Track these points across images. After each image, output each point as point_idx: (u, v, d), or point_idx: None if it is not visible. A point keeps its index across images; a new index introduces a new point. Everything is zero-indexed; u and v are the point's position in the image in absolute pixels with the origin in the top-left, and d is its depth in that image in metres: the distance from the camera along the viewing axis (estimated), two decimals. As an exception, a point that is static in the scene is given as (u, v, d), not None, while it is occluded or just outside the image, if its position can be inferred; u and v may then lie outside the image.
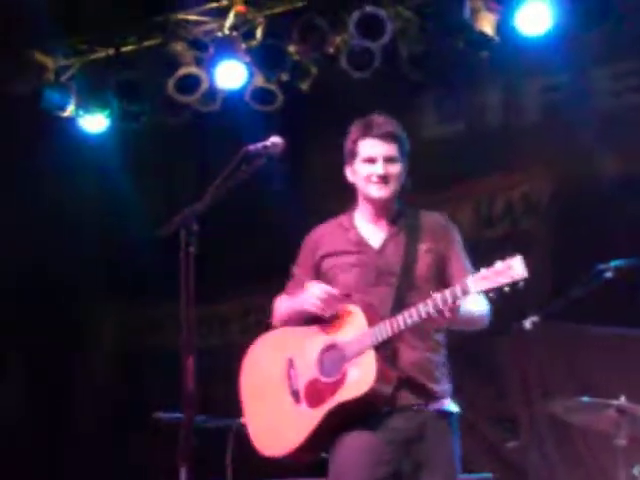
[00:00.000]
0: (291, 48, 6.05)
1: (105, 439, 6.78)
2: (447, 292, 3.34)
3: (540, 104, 6.27)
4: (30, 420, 6.81)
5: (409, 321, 3.41)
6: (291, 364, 3.61)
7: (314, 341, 3.58)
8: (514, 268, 3.22)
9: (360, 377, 3.43)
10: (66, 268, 6.91)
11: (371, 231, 3.68)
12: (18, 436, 6.67)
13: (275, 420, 3.58)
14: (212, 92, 6.23)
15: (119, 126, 6.52)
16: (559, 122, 6.08)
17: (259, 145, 3.45)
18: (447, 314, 3.33)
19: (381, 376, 3.43)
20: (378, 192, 3.63)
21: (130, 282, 6.95)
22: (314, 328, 3.61)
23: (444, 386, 3.58)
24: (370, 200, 3.67)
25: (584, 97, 6.04)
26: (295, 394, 3.56)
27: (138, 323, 7.16)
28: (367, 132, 3.63)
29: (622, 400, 4.15)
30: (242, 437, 3.86)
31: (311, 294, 3.55)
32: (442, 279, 3.60)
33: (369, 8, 5.72)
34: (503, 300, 3.29)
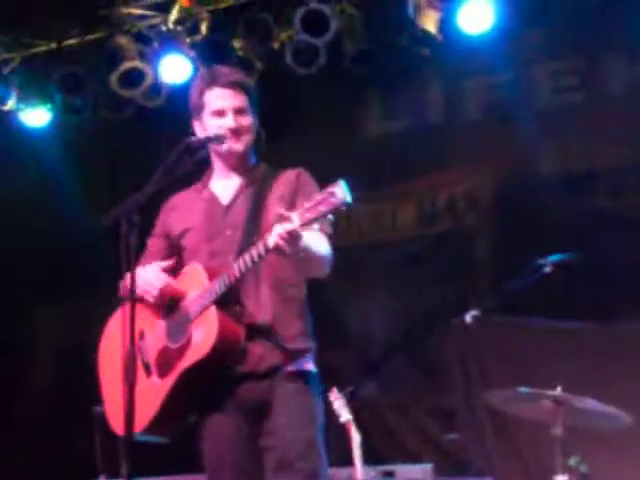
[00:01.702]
0: (236, 43, 6.04)
1: (51, 428, 6.70)
2: (275, 228, 3.13)
3: (481, 102, 6.35)
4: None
5: (245, 265, 3.22)
6: (142, 336, 3.44)
7: (160, 308, 3.41)
8: (335, 195, 3.04)
9: (203, 337, 3.26)
10: (6, 263, 6.82)
11: (223, 187, 3.54)
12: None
13: None
14: (156, 87, 6.21)
15: (61, 120, 6.46)
16: (500, 120, 6.16)
17: (201, 137, 3.46)
18: (286, 249, 3.11)
19: (225, 333, 3.25)
20: (231, 147, 3.48)
21: (75, 280, 6.87)
22: None
23: (300, 344, 3.41)
24: (223, 156, 3.52)
25: (525, 95, 6.14)
26: (146, 367, 3.41)
27: (80, 319, 7.07)
28: (213, 82, 3.48)
29: (558, 390, 4.23)
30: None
31: (149, 284, 3.35)
32: None
33: (313, 4, 5.75)
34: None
